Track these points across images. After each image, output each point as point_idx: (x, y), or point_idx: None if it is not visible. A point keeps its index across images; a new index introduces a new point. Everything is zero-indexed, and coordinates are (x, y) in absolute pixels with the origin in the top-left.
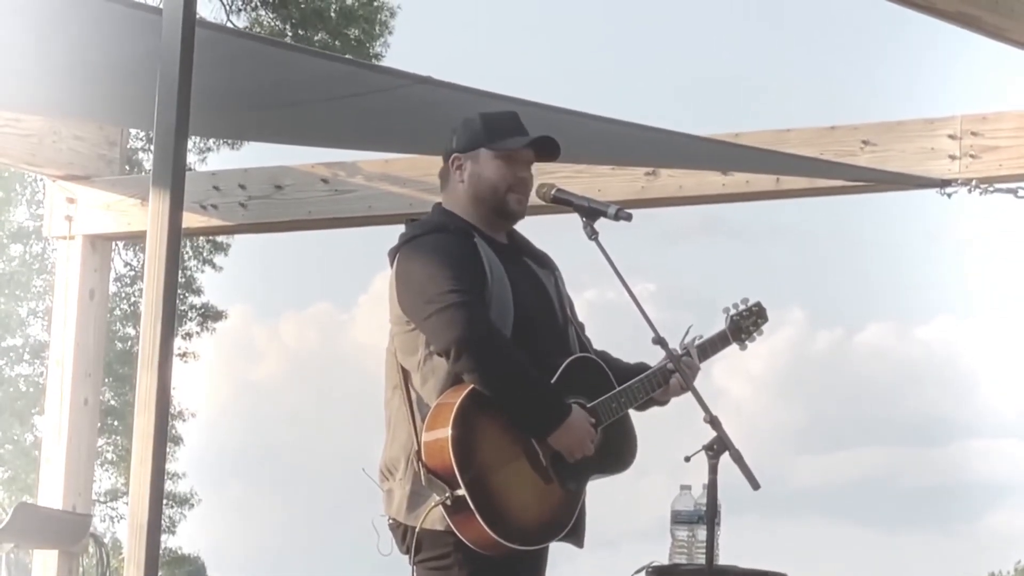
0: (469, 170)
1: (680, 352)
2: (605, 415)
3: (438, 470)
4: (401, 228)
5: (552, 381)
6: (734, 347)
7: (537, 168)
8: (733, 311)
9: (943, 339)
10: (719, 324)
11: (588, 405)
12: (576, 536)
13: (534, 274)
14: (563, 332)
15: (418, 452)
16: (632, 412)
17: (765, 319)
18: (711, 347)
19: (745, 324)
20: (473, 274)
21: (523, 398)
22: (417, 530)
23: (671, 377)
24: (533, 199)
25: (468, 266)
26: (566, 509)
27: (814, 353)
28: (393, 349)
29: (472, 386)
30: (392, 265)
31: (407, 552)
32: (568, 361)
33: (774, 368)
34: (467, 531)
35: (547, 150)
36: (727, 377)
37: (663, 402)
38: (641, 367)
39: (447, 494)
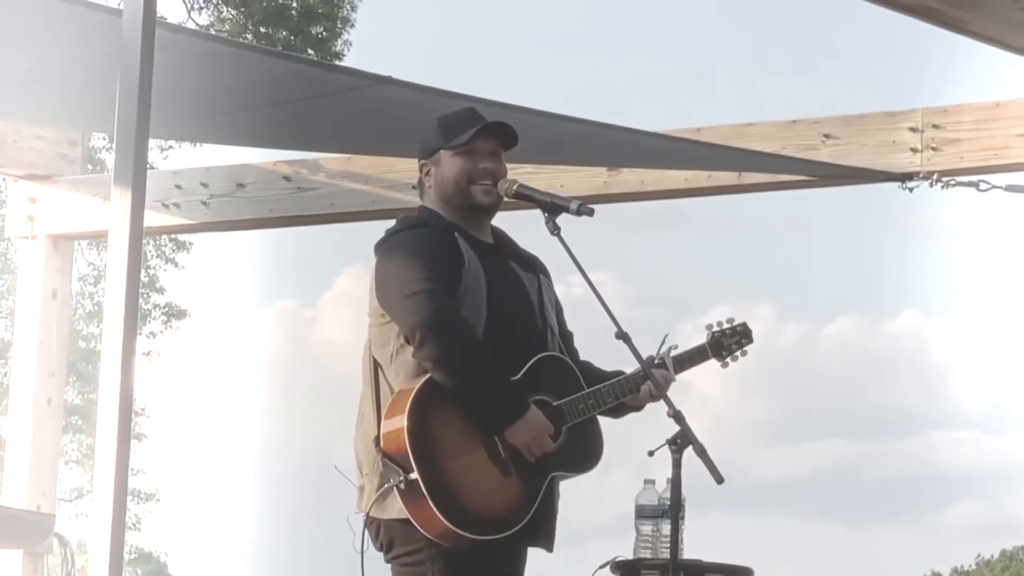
0: (434, 174)
1: (656, 361)
2: (571, 415)
3: (394, 455)
4: (364, 225)
5: (518, 376)
6: (714, 362)
7: None
8: (716, 328)
9: (909, 332)
10: (684, 320)
11: (554, 404)
12: (546, 540)
13: (515, 276)
14: (541, 335)
15: (377, 439)
16: (608, 419)
17: (750, 340)
18: (688, 360)
19: (727, 342)
20: (447, 268)
21: (480, 391)
22: (384, 521)
23: (643, 384)
24: None
25: (443, 260)
26: (523, 504)
27: (781, 347)
28: (368, 343)
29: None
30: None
31: (381, 549)
32: (537, 358)
33: (741, 362)
34: (420, 517)
35: (505, 136)
36: (693, 371)
37: (638, 407)
38: (618, 375)
39: (401, 477)
